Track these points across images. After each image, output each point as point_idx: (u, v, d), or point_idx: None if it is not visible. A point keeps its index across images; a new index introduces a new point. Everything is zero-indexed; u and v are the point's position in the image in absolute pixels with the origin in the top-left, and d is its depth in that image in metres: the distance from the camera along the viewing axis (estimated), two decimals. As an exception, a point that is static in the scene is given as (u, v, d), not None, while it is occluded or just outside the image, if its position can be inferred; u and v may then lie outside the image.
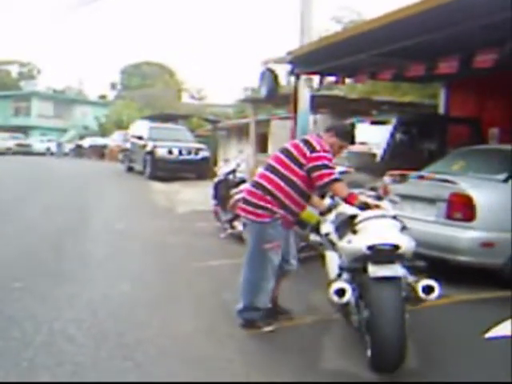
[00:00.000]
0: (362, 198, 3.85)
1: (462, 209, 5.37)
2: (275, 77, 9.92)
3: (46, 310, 4.45)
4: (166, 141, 17.06)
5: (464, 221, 5.35)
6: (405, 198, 5.12)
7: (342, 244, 3.74)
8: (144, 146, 17.23)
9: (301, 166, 3.95)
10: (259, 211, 3.99)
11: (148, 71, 49.64)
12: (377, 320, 3.29)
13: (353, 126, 4.75)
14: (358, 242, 3.54)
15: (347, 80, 9.44)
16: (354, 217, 3.75)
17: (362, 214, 3.70)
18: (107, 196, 12.76)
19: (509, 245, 5.25)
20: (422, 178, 5.89)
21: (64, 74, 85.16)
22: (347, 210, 3.94)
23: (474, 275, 5.38)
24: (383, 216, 3.70)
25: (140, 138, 17.93)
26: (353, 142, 4.29)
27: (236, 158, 10.27)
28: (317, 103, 11.14)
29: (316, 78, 9.56)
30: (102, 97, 54.21)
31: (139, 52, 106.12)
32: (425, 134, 8.67)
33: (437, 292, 3.35)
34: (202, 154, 17.51)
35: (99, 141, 31.62)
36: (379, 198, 4.11)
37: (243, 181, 8.31)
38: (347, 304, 3.54)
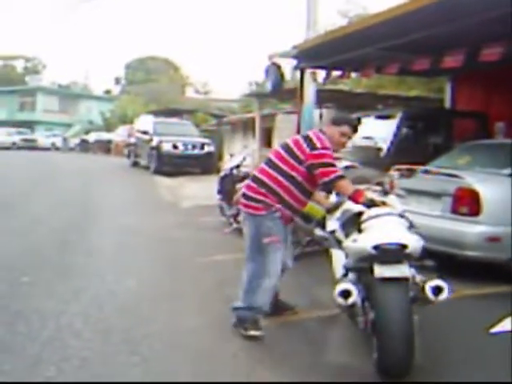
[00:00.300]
0: (369, 195, 3.75)
1: (467, 203, 5.34)
2: (281, 71, 9.86)
3: (52, 305, 4.48)
4: (171, 135, 17.05)
5: (470, 215, 5.32)
6: (410, 192, 5.09)
7: (348, 243, 3.63)
8: (149, 141, 17.25)
9: (300, 162, 3.88)
10: (256, 204, 3.92)
11: (153, 66, 49.66)
12: (383, 322, 3.18)
13: (359, 120, 4.68)
14: (363, 242, 3.41)
15: (353, 74, 9.40)
16: (360, 214, 3.67)
17: (368, 212, 3.61)
18: (112, 191, 12.78)
19: (515, 239, 5.21)
20: (427, 172, 5.87)
21: (69, 68, 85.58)
22: (353, 206, 3.86)
23: (480, 270, 5.35)
24: (390, 214, 3.59)
25: (145, 132, 17.93)
26: (355, 130, 4.11)
27: (241, 153, 10.26)
28: (322, 98, 11.10)
29: (321, 73, 9.51)
30: (107, 92, 54.34)
31: (144, 47, 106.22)
32: (430, 128, 8.62)
33: (446, 293, 3.26)
34: (206, 149, 17.48)
35: (104, 136, 31.71)
36: (386, 193, 4.04)
37: (248, 175, 8.29)
38: (353, 305, 3.41)
